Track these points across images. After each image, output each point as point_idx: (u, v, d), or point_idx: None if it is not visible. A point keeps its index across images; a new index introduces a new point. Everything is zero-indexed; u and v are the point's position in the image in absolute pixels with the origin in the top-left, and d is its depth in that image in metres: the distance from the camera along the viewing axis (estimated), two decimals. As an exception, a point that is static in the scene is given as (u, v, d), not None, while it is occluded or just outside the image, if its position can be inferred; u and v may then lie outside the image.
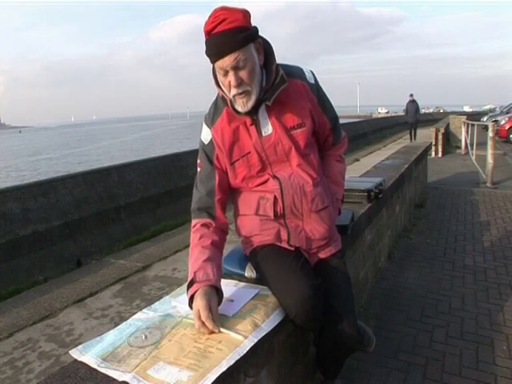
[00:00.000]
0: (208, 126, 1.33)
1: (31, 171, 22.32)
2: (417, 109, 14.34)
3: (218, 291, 1.17)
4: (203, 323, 1.08)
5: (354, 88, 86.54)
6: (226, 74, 1.17)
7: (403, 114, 16.32)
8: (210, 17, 1.13)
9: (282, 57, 1.25)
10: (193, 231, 1.32)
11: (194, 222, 1.34)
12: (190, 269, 1.21)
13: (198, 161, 1.37)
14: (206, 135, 1.34)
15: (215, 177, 1.33)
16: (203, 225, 1.31)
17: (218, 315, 1.12)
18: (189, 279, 1.19)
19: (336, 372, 1.60)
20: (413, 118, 14.48)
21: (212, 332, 1.08)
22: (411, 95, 14.26)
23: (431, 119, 28.86)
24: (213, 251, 1.25)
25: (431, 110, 57.61)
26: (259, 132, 1.28)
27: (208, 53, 1.17)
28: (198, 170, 1.37)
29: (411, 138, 14.77)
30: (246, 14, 1.15)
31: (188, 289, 1.17)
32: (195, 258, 1.23)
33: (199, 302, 1.10)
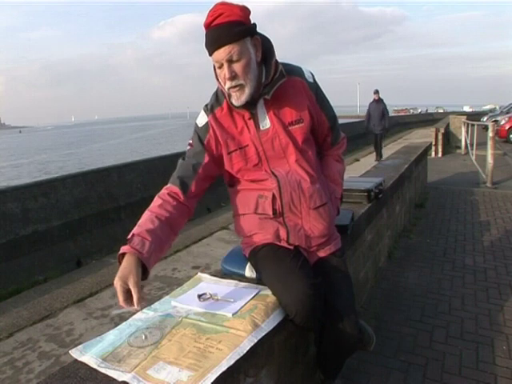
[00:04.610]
0: (206, 112, 1.34)
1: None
2: (383, 112, 9.41)
3: (145, 268, 1.16)
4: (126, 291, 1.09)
5: (354, 88, 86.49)
6: (221, 66, 1.19)
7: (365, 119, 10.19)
8: (209, 11, 1.17)
9: (283, 56, 1.28)
10: (158, 195, 1.32)
11: (166, 186, 1.34)
12: (134, 229, 1.21)
13: (190, 141, 1.37)
14: (202, 119, 1.34)
15: (204, 157, 1.33)
16: (170, 194, 1.30)
17: (139, 288, 1.10)
18: (128, 236, 1.19)
19: (336, 372, 1.60)
20: (378, 126, 9.49)
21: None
22: (376, 92, 9.47)
23: (431, 119, 28.82)
24: (162, 227, 1.23)
25: (420, 111, 55.00)
26: (257, 126, 1.30)
27: (206, 45, 1.20)
28: (188, 148, 1.37)
29: (377, 155, 9.83)
30: (244, 10, 1.18)
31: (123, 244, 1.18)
32: (143, 222, 1.23)
33: (125, 270, 1.10)
